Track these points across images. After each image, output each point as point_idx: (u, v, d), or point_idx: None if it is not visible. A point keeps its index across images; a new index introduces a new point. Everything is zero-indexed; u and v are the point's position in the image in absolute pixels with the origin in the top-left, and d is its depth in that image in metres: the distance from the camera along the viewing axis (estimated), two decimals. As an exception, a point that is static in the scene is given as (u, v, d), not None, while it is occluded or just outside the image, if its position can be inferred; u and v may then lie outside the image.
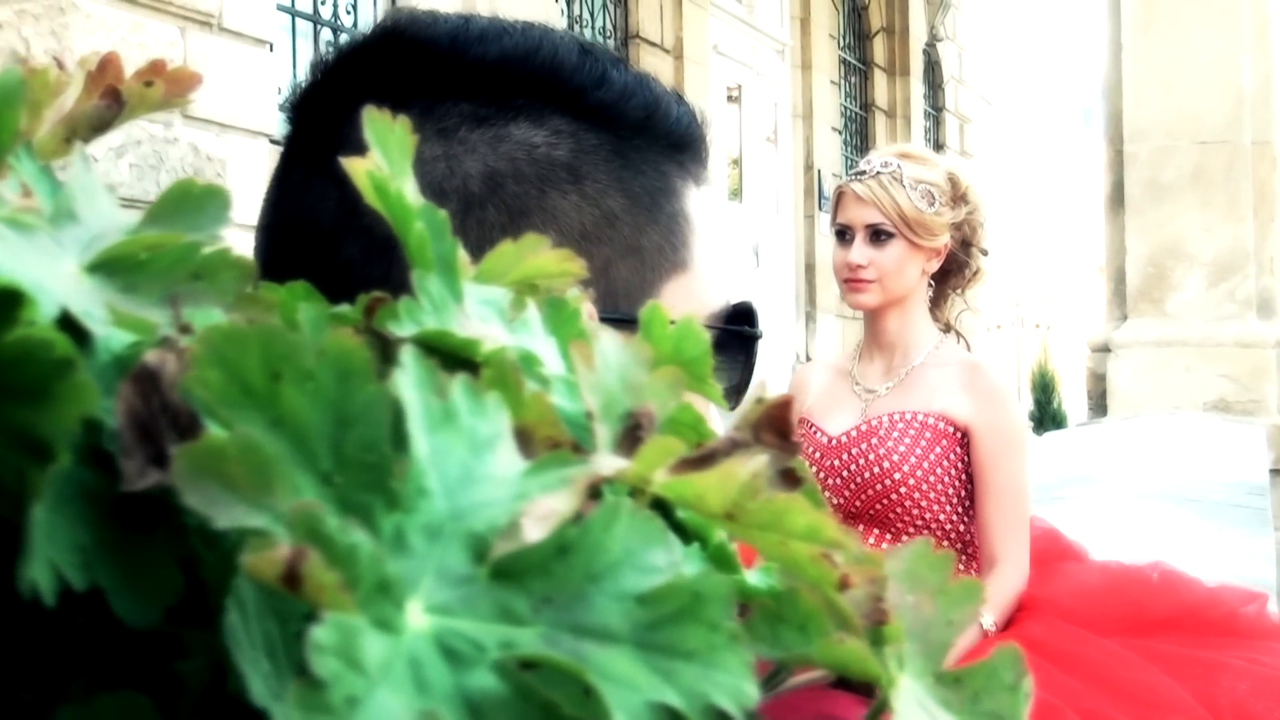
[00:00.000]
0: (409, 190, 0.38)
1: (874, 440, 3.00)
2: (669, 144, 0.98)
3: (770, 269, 13.51)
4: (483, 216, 0.90)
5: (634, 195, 0.95)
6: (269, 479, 0.25)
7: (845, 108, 15.67)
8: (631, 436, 0.31)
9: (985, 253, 3.19)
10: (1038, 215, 38.81)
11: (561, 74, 0.94)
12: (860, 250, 3.01)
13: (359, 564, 0.25)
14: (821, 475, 3.04)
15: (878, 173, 3.01)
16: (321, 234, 0.92)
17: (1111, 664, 2.76)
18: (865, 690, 0.47)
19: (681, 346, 0.40)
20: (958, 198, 3.04)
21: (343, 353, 0.27)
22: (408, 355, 0.27)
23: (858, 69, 16.24)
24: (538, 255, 0.38)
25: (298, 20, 8.51)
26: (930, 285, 3.12)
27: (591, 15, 11.06)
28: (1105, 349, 9.08)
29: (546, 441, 0.30)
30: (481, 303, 0.36)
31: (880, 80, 16.55)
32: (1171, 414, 8.32)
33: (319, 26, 8.62)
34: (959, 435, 3.00)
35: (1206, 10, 8.85)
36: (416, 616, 0.25)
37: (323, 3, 8.58)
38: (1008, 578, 2.91)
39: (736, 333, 1.00)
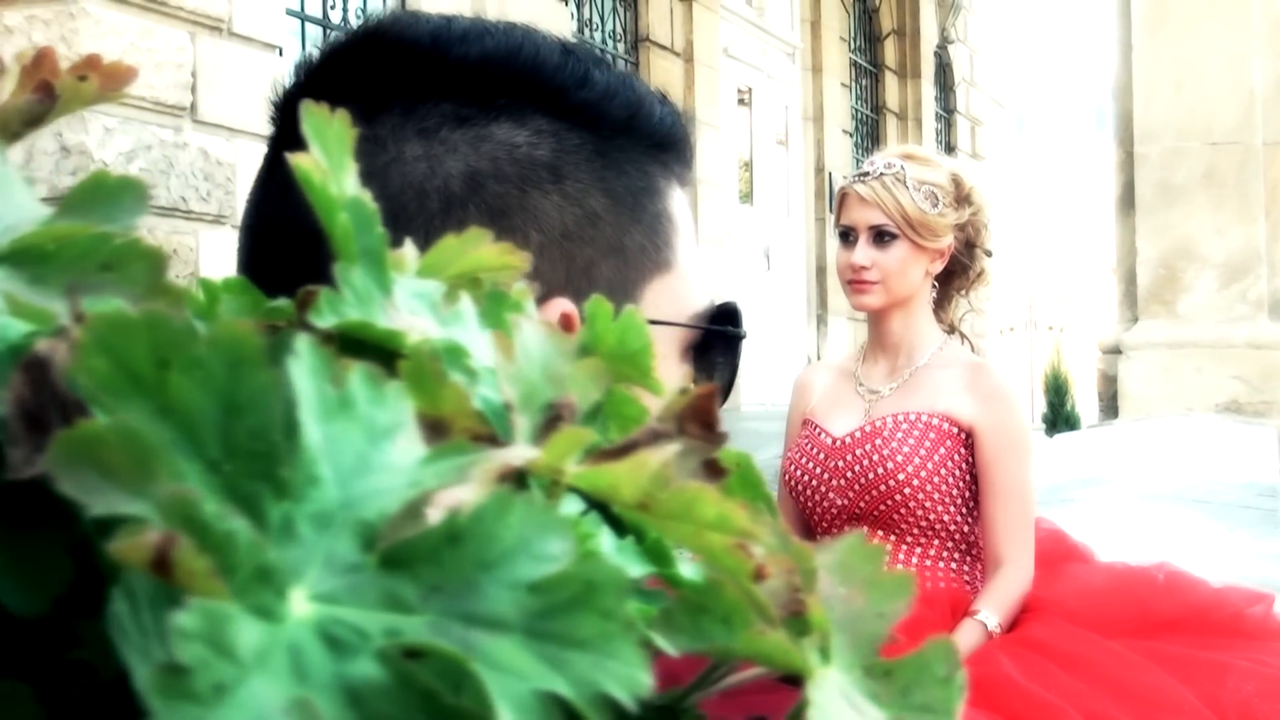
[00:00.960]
0: (349, 183, 0.38)
1: (878, 441, 2.99)
2: (652, 144, 0.98)
3: (781, 272, 13.51)
4: (463, 216, 0.90)
5: (616, 195, 0.95)
6: (150, 466, 0.25)
7: (856, 110, 15.66)
8: (552, 427, 0.31)
9: (989, 254, 3.19)
10: (1051, 217, 38.76)
11: (543, 74, 0.94)
12: (863, 251, 3.00)
13: (236, 551, 0.25)
14: (825, 476, 3.03)
15: (881, 174, 3.01)
16: (303, 235, 0.92)
17: (1115, 665, 2.75)
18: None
19: (625, 340, 0.40)
20: (961, 199, 3.04)
21: (233, 340, 0.27)
22: (302, 344, 0.27)
23: (869, 71, 16.23)
24: (479, 249, 0.38)
25: (307, 25, 8.53)
26: (934, 286, 3.11)
27: (601, 18, 11.07)
28: (1116, 351, 9.06)
29: (465, 432, 0.30)
30: (414, 295, 0.36)
31: (891, 83, 16.54)
32: (1183, 416, 8.30)
33: (328, 31, 8.64)
34: (963, 436, 2.99)
35: (1217, 11, 8.83)
36: (300, 604, 0.25)
37: (332, 7, 8.60)
38: (1012, 579, 2.91)
39: (720, 333, 0.99)
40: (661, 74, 11.38)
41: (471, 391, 0.32)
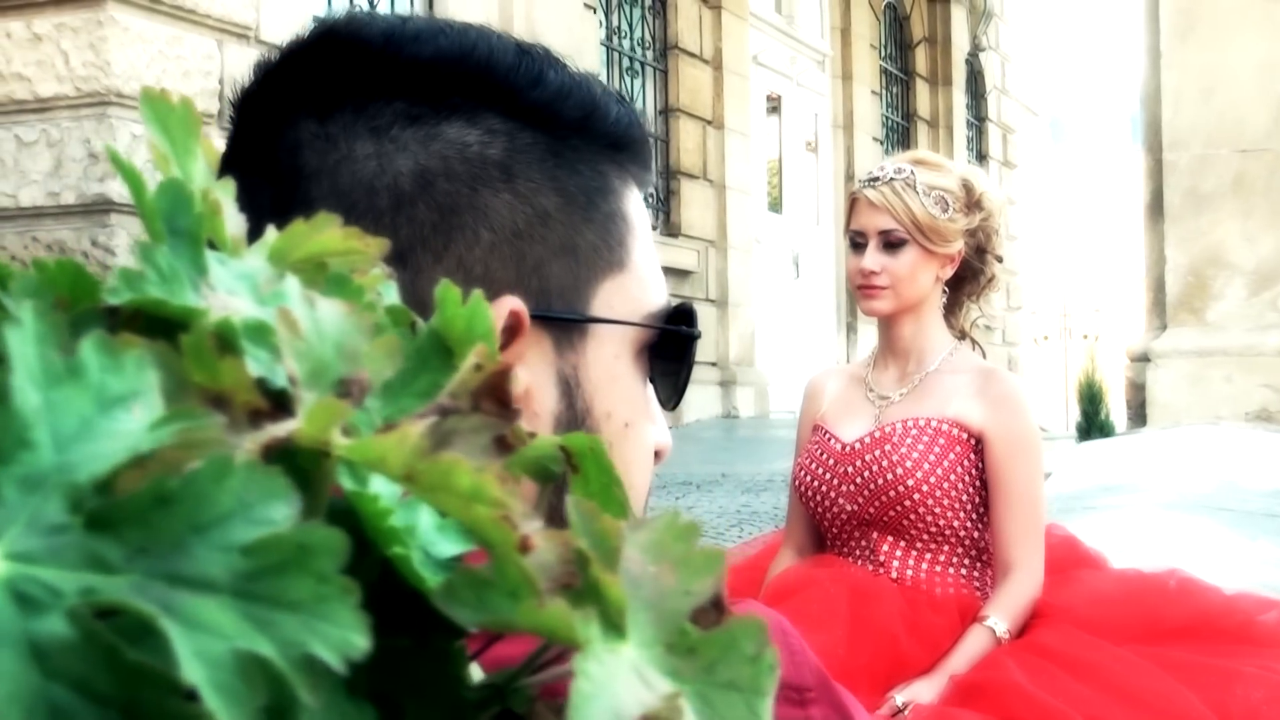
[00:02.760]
0: (194, 168, 0.39)
1: (887, 447, 2.99)
2: (607, 144, 0.98)
3: (810, 280, 13.50)
4: (413, 214, 0.91)
5: (569, 195, 0.95)
6: None
7: (887, 118, 15.63)
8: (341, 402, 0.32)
9: (1000, 259, 3.18)
10: (1087, 225, 38.58)
11: (496, 74, 0.94)
12: (873, 257, 3.00)
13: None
14: (835, 482, 3.03)
15: (890, 179, 3.00)
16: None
17: (1123, 671, 2.74)
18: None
19: (472, 324, 0.41)
20: (972, 204, 3.03)
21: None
22: (25, 312, 0.28)
23: (899, 79, 16.20)
24: (325, 234, 0.39)
25: (335, 32, 8.56)
26: (945, 292, 3.11)
27: (630, 26, 11.08)
28: (1144, 359, 9.01)
29: (245, 406, 0.31)
30: (238, 276, 0.36)
31: (922, 90, 16.51)
32: (1212, 424, 8.25)
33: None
34: (973, 442, 2.99)
35: (1246, 18, 8.78)
36: (-8, 563, 0.26)
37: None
38: (1022, 585, 2.90)
39: (674, 333, 1.00)
40: (690, 82, 11.40)
41: (274, 368, 0.32)
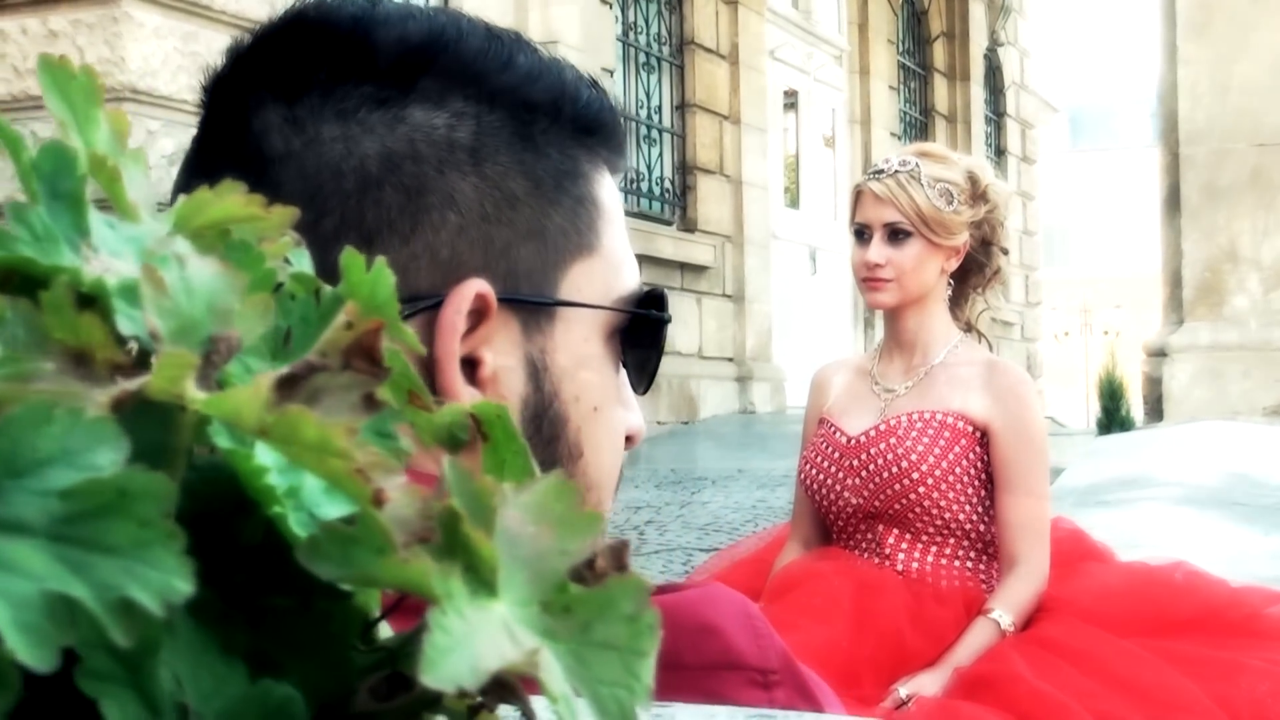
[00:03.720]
0: (99, 137, 0.39)
1: (893, 440, 2.99)
2: (578, 128, 0.98)
3: (827, 275, 13.48)
4: (379, 197, 0.91)
5: (537, 178, 0.95)
6: None
7: (904, 113, 15.61)
8: (208, 361, 0.32)
9: (1006, 251, 3.17)
10: (1106, 221, 38.50)
11: (464, 56, 0.94)
12: (878, 249, 3.00)
13: None
14: (840, 475, 3.03)
15: (895, 171, 3.00)
16: None
17: (1128, 664, 2.74)
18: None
19: (375, 291, 0.41)
20: (977, 196, 3.03)
21: None
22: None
23: (917, 74, 16.17)
24: (226, 200, 0.39)
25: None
26: (950, 284, 3.10)
27: (647, 21, 11.08)
28: (1161, 354, 8.98)
29: (106, 363, 0.31)
30: (127, 239, 0.36)
31: (940, 85, 16.48)
32: (1228, 419, 8.23)
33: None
34: (978, 434, 2.98)
35: (1263, 12, 8.75)
36: None
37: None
38: (1026, 578, 2.89)
39: (644, 317, 1.00)
40: (707, 77, 11.39)
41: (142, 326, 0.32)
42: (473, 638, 0.31)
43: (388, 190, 0.91)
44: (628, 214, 1.17)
